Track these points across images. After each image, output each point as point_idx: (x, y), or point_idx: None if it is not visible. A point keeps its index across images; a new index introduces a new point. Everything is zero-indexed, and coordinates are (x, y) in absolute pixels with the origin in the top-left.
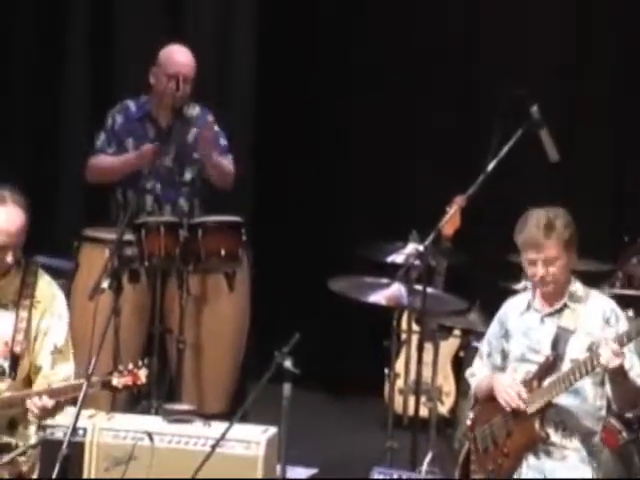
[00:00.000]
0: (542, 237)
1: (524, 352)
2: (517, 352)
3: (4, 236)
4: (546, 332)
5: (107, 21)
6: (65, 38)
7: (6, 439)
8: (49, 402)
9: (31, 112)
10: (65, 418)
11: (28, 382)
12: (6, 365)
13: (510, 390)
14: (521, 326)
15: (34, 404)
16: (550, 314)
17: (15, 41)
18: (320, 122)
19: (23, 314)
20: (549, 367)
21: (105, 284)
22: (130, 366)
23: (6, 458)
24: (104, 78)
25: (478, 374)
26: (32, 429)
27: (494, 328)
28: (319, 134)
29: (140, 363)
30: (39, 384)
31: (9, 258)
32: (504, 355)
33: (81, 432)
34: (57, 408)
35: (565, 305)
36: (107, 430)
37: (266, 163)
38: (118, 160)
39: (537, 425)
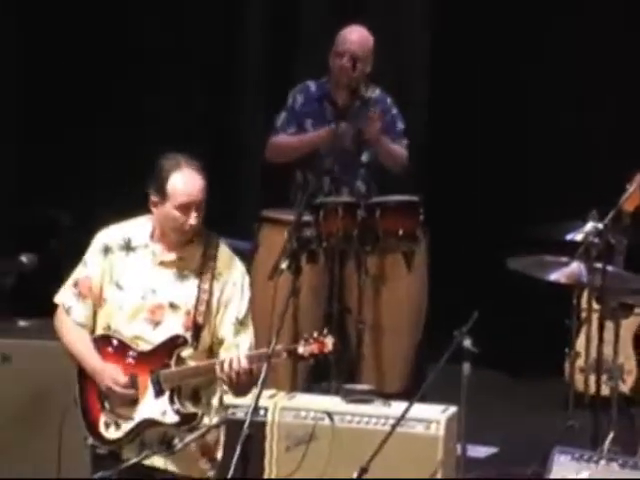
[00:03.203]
0: None
1: None
2: None
3: (185, 197)
4: None
5: (288, 4)
6: (244, 22)
7: (191, 409)
8: (242, 367)
9: (211, 97)
10: (246, 398)
11: (210, 354)
12: (188, 335)
13: None
14: None
15: (225, 369)
16: None
17: (195, 29)
18: (495, 101)
19: (205, 285)
20: None
21: (284, 265)
22: (316, 334)
23: (188, 439)
24: (284, 60)
25: None
26: (215, 400)
27: None
28: (495, 113)
29: (325, 331)
30: (222, 356)
31: (193, 220)
32: None
33: (262, 412)
34: (248, 383)
35: None
36: (288, 410)
37: (443, 143)
38: (298, 139)
39: None
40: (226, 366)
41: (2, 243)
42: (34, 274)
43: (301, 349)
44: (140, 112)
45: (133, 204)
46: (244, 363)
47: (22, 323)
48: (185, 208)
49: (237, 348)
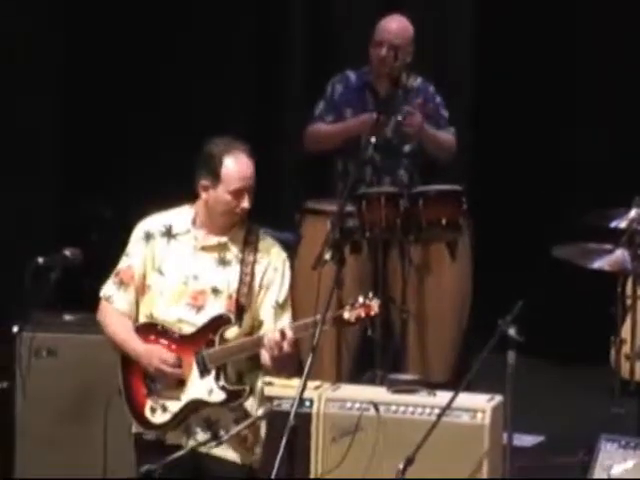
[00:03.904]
0: None
1: None
2: None
3: (239, 182)
4: None
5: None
6: (288, 13)
7: (236, 387)
8: (287, 338)
9: (250, 87)
10: (291, 390)
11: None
12: (232, 315)
13: None
14: None
15: (271, 342)
16: None
17: (236, 25)
18: (540, 89)
19: (247, 269)
20: None
21: (327, 256)
22: (361, 299)
23: (234, 430)
24: (325, 51)
25: None
26: (259, 385)
27: None
28: (539, 101)
29: (370, 295)
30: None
31: (245, 203)
32: None
33: (307, 403)
34: (291, 357)
35: None
36: (333, 401)
37: (484, 130)
38: (336, 127)
39: None
40: (270, 338)
41: (46, 238)
42: (78, 268)
43: (347, 314)
44: (181, 105)
45: (174, 199)
46: (289, 334)
47: (67, 317)
48: (238, 193)
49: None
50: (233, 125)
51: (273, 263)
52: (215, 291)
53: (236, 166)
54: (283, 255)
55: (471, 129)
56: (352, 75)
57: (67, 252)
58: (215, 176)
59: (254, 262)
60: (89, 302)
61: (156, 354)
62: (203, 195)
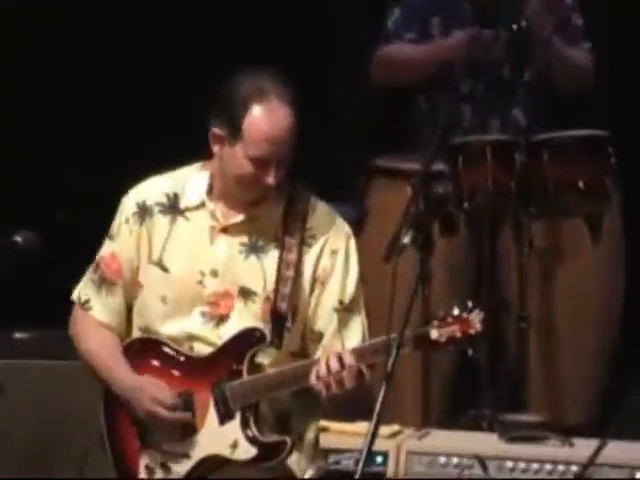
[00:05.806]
0: None
1: None
2: None
3: (266, 144)
4: None
5: None
6: None
7: (276, 437)
8: (348, 366)
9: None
10: (355, 438)
11: (299, 358)
12: (267, 329)
13: None
14: None
15: (321, 372)
16: None
17: None
18: None
19: (290, 256)
20: None
21: (406, 239)
22: (455, 311)
23: None
24: None
25: None
26: (310, 436)
27: None
28: None
29: (470, 305)
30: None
31: (270, 178)
32: None
33: (380, 459)
34: (355, 395)
35: None
36: (419, 454)
37: (626, 54)
38: (419, 50)
39: None
40: (322, 367)
41: None
42: (34, 260)
43: (435, 333)
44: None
45: (179, 159)
46: (349, 360)
47: (19, 335)
48: (262, 162)
49: (343, 346)
50: (267, 53)
51: (331, 244)
52: (245, 293)
53: (266, 121)
54: (346, 230)
55: (609, 49)
56: None
57: (18, 237)
58: (234, 127)
59: (302, 244)
60: (52, 312)
61: (147, 390)
62: (215, 150)
